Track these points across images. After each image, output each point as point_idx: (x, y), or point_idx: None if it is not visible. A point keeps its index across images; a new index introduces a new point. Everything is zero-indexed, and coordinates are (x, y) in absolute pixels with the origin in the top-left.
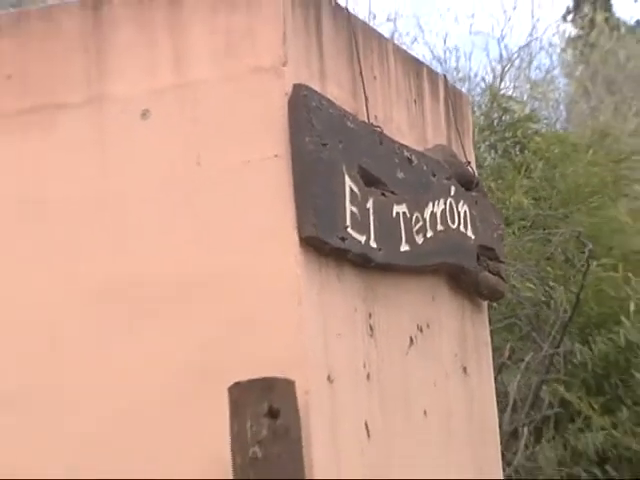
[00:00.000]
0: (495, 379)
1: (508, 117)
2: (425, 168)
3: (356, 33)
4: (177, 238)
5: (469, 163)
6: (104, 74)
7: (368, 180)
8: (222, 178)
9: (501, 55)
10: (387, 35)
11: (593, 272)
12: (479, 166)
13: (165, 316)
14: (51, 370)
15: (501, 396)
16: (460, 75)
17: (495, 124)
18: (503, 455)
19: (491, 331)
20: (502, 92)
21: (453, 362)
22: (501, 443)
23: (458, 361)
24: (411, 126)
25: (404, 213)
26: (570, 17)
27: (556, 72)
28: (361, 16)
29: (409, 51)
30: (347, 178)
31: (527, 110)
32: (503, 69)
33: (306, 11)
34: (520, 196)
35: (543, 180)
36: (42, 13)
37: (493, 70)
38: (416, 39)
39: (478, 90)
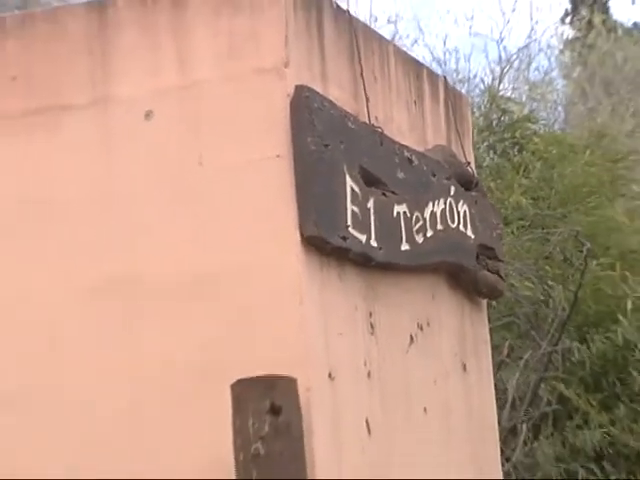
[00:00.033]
0: (494, 376)
1: (507, 118)
2: (425, 168)
3: (357, 35)
4: (179, 237)
5: (469, 163)
6: (108, 76)
7: (369, 180)
8: (224, 178)
9: (500, 57)
10: (388, 37)
11: (591, 271)
12: (478, 166)
13: (166, 315)
14: (51, 370)
15: (500, 393)
16: (460, 76)
17: (494, 125)
18: (502, 451)
19: (490, 329)
20: (501, 93)
21: (453, 360)
22: (500, 439)
23: (458, 359)
24: (411, 127)
25: (404, 213)
26: (568, 19)
27: (554, 74)
28: (362, 18)
29: (409, 53)
30: (348, 178)
31: (526, 111)
32: (502, 70)
33: (308, 14)
34: (519, 196)
35: (541, 180)
36: (47, 15)
37: (492, 71)
38: (416, 41)
39: (477, 91)
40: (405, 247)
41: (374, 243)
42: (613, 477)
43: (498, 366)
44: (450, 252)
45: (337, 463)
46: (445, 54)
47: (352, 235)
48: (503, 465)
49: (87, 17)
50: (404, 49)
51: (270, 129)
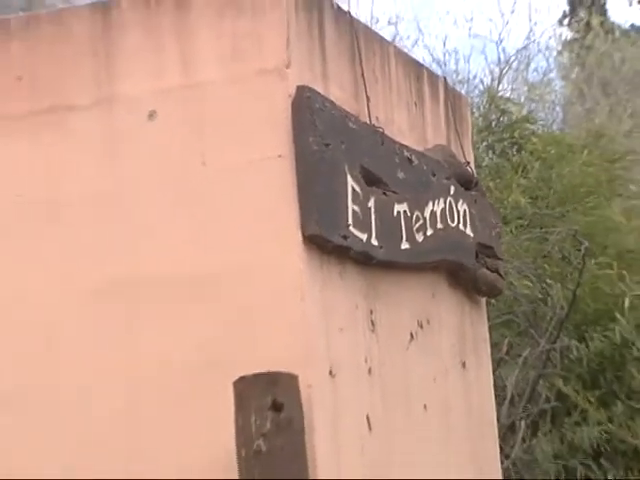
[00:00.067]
0: (493, 374)
1: (506, 118)
2: (425, 168)
3: (358, 36)
4: (182, 237)
5: (468, 163)
6: (112, 76)
7: (369, 180)
8: (227, 178)
9: (499, 58)
10: (388, 38)
11: (589, 270)
12: (478, 166)
13: (168, 315)
14: (48, 370)
15: (499, 390)
16: (459, 77)
17: (493, 125)
18: (501, 448)
19: (489, 327)
20: (500, 94)
21: (452, 357)
22: (499, 436)
23: (457, 356)
24: (411, 127)
25: (405, 212)
26: (566, 21)
27: (553, 74)
28: (363, 20)
29: (410, 54)
30: (349, 178)
31: (524, 111)
32: (501, 71)
33: (309, 15)
34: (518, 195)
35: (540, 180)
36: (51, 17)
37: (491, 72)
38: (416, 42)
39: (477, 92)
40: (405, 246)
41: (375, 242)
42: (611, 474)
43: (497, 363)
44: (450, 251)
45: (338, 458)
46: (445, 55)
47: (353, 234)
48: (502, 462)
49: (91, 19)
50: (404, 50)
51: (272, 129)
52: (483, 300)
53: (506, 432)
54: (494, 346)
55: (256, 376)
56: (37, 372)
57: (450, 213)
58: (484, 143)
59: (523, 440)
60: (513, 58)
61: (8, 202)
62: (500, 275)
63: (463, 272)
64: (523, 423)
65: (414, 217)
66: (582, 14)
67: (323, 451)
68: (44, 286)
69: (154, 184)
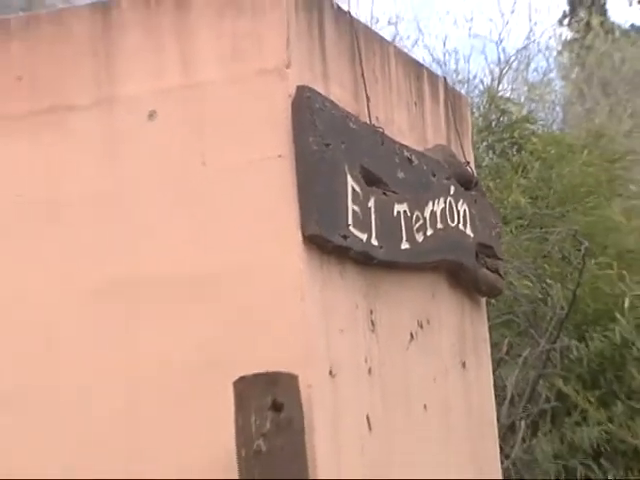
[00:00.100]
0: (493, 374)
1: (506, 118)
2: (425, 168)
3: (358, 36)
4: (182, 237)
5: (468, 163)
6: (113, 76)
7: (370, 180)
8: (227, 178)
9: (499, 58)
10: (388, 38)
11: (589, 270)
12: (478, 166)
13: (168, 315)
14: (48, 370)
15: (499, 390)
16: (459, 77)
17: (493, 125)
18: (501, 448)
19: (489, 327)
20: (500, 94)
21: (452, 357)
22: (499, 436)
23: (457, 356)
24: (411, 127)
25: (405, 212)
26: (566, 21)
27: (553, 74)
28: (363, 20)
29: (410, 54)
30: (349, 178)
31: (524, 111)
32: (501, 71)
33: (309, 15)
34: (517, 195)
35: (540, 180)
36: (52, 17)
37: (491, 72)
38: (416, 42)
39: (477, 92)
40: (405, 246)
41: (375, 242)
42: (611, 474)
43: (497, 363)
44: (450, 251)
45: (338, 458)
46: (445, 55)
47: (353, 234)
48: (502, 462)
49: (91, 19)
50: (404, 50)
51: (272, 129)
52: (483, 300)
53: (506, 432)
54: (494, 346)
55: (256, 376)
56: (37, 372)
57: (450, 213)
58: (484, 143)
59: (523, 440)
60: (513, 58)
61: (8, 202)
62: (500, 275)
63: (463, 272)
64: (523, 423)
65: (414, 217)
66: (582, 14)
67: (323, 451)
68: (44, 286)
69: (154, 184)
